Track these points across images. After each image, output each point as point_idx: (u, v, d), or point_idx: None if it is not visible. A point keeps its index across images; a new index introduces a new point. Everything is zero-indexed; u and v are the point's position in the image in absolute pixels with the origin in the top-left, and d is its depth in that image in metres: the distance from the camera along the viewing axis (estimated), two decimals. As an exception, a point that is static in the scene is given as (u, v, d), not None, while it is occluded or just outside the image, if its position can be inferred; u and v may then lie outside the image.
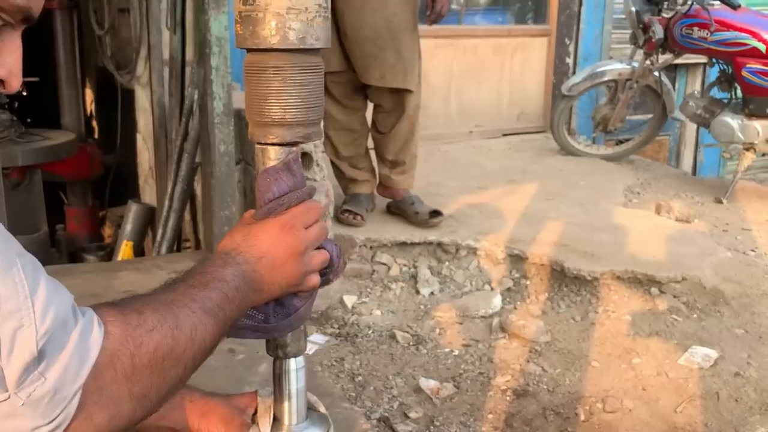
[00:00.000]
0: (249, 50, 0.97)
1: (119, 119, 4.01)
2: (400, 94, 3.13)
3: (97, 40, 3.93)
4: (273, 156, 0.97)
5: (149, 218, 3.65)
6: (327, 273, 0.92)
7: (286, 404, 1.05)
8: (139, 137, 3.74)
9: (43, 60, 4.35)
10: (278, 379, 1.04)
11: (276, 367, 1.03)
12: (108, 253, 3.96)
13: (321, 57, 0.98)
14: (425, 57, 3.29)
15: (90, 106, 4.78)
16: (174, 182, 3.21)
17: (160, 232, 3.27)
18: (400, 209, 3.30)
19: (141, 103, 3.68)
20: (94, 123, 4.86)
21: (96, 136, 4.79)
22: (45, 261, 3.84)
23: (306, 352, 1.07)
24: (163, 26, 3.38)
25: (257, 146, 0.98)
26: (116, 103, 3.98)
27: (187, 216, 3.43)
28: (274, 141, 0.96)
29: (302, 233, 0.85)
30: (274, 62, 0.94)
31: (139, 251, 3.64)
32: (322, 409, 1.06)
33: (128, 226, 3.57)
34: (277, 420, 1.08)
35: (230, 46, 2.80)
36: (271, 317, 0.89)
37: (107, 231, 4.56)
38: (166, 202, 3.25)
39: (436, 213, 3.21)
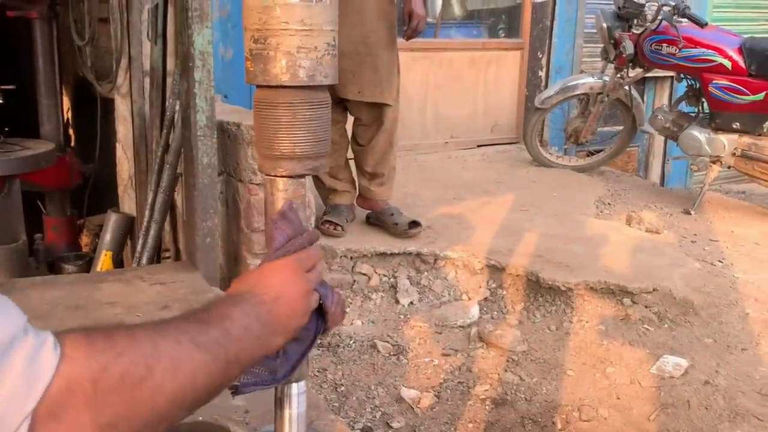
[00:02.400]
0: (259, 86, 1.02)
1: (98, 129, 4.01)
2: (378, 108, 3.20)
3: (77, 49, 3.93)
4: (281, 187, 1.02)
5: (129, 228, 3.66)
6: (325, 321, 0.95)
7: (286, 427, 1.10)
8: (118, 147, 3.74)
9: (22, 69, 4.33)
10: (279, 403, 1.09)
11: (278, 391, 1.08)
12: (87, 262, 3.95)
13: (328, 92, 1.03)
14: (402, 69, 3.36)
15: (67, 114, 4.77)
16: (155, 192, 3.22)
17: (140, 242, 3.28)
18: (379, 220, 3.35)
19: (121, 113, 3.68)
20: (72, 132, 4.84)
21: (73, 145, 4.77)
22: (24, 271, 3.81)
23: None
24: (144, 37, 3.39)
25: (266, 177, 1.03)
26: (95, 113, 3.97)
27: (167, 226, 3.45)
28: (284, 174, 1.01)
29: (307, 275, 0.88)
30: (285, 99, 0.99)
31: (117, 261, 3.64)
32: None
33: (107, 236, 3.57)
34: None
35: (213, 60, 2.83)
36: (279, 370, 0.92)
37: (84, 240, 4.54)
38: (147, 212, 3.26)
39: (414, 224, 3.27)
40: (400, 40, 3.27)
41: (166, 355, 0.65)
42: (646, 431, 2.31)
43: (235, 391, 0.90)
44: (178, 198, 3.31)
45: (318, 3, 0.98)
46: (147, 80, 3.42)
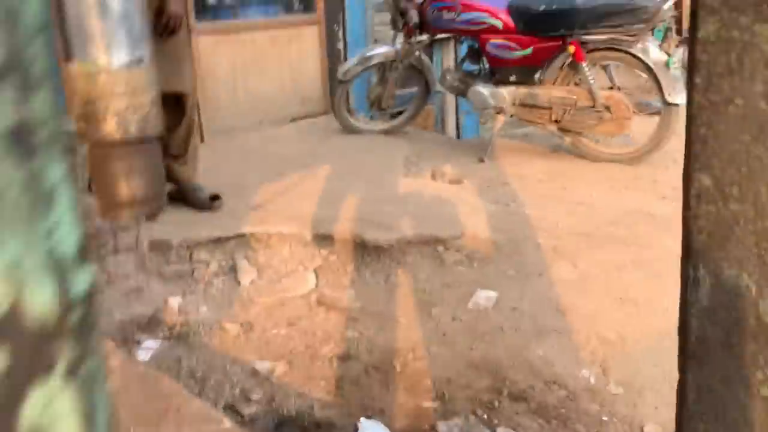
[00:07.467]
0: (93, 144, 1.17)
1: None
2: (179, 96, 3.40)
3: None
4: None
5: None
6: None
7: None
8: None
9: None
10: None
11: None
12: None
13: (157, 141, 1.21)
14: (208, 54, 3.50)
15: None
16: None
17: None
18: (180, 194, 3.60)
19: None
20: None
21: None
22: None
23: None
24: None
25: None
26: None
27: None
28: (125, 218, 1.19)
29: None
30: (119, 153, 1.15)
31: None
32: None
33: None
34: None
35: None
36: None
37: None
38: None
39: (215, 197, 3.57)
40: (207, 23, 3.38)
41: None
42: (470, 359, 2.64)
43: None
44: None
45: (139, 66, 1.14)
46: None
